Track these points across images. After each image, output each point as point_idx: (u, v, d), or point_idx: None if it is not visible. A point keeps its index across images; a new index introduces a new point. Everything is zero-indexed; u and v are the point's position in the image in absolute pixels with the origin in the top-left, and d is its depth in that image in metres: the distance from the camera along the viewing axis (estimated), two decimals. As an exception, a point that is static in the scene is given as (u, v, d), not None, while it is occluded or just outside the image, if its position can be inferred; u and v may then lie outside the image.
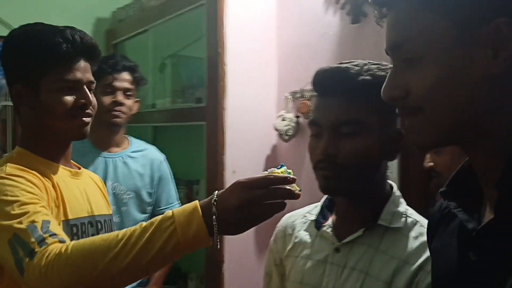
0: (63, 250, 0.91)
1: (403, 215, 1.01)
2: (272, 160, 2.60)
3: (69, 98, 1.18)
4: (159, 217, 0.89)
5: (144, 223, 0.89)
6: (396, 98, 0.66)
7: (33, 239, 0.95)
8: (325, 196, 1.14)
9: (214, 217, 0.83)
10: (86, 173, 1.40)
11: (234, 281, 2.42)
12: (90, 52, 1.23)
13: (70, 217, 1.19)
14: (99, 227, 1.26)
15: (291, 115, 2.42)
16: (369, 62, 1.01)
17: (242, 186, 0.86)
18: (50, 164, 1.23)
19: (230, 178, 2.47)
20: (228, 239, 2.35)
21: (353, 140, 0.95)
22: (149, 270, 0.91)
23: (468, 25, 0.58)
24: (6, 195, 1.05)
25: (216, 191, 0.88)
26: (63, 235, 1.00)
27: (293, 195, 0.88)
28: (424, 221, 0.99)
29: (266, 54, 2.55)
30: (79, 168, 1.35)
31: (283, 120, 2.41)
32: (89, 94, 1.21)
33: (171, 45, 3.20)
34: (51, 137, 1.23)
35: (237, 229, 0.89)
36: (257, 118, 2.54)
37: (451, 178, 0.73)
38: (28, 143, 1.24)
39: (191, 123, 2.72)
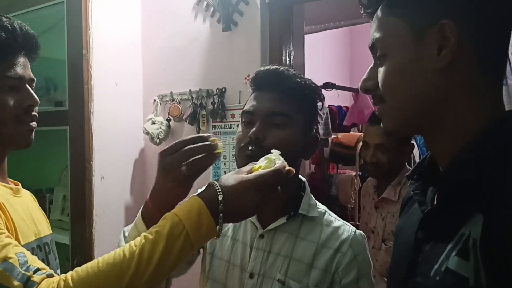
0: (62, 287, 0.75)
1: (316, 207, 1.15)
2: (140, 164, 2.58)
3: (12, 100, 1.00)
4: (162, 223, 0.79)
5: (145, 234, 0.79)
6: (368, 89, 0.75)
7: (16, 282, 0.77)
8: None
9: (221, 214, 0.80)
10: (23, 189, 1.17)
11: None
12: (32, 45, 1.06)
13: (21, 243, 1.00)
14: (47, 250, 1.09)
15: (160, 118, 2.43)
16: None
17: (255, 188, 0.82)
18: None
19: (99, 184, 2.39)
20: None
21: (280, 130, 1.05)
22: (169, 273, 0.80)
23: (421, 26, 0.68)
24: None
25: (216, 183, 0.83)
26: (46, 267, 0.84)
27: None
28: (329, 211, 1.16)
29: (132, 57, 2.53)
30: (17, 184, 1.12)
31: (153, 123, 2.41)
32: (34, 94, 1.04)
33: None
34: None
35: (239, 219, 0.89)
36: (124, 122, 2.50)
37: (417, 163, 0.84)
38: None
39: (49, 128, 2.53)
